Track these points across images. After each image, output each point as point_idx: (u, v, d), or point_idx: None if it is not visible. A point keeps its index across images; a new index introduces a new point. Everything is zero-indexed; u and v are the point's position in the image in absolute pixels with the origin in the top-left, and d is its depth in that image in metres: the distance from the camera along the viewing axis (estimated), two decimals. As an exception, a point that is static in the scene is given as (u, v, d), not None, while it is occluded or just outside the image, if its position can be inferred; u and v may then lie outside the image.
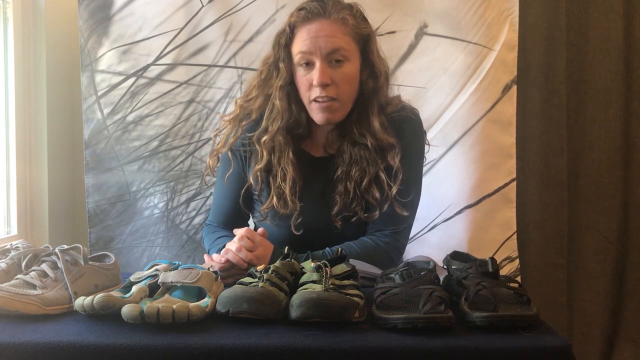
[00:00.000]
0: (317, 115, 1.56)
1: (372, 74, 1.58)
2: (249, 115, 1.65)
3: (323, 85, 1.51)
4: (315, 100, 1.54)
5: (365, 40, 1.57)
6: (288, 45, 1.56)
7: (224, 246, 1.53)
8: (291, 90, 1.58)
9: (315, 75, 1.51)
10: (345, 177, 1.58)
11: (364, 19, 1.59)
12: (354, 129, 1.59)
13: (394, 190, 1.56)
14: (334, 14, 1.53)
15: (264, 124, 1.61)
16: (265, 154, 1.60)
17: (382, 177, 1.57)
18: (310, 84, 1.53)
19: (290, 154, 1.59)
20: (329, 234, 1.59)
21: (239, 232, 1.52)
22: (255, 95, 1.64)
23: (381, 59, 1.61)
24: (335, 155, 1.62)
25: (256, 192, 1.65)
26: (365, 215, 1.58)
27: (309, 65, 1.53)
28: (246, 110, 1.66)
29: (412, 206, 1.62)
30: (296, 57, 1.55)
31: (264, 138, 1.60)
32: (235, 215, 1.70)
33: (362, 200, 1.58)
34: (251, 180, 1.63)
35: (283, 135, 1.59)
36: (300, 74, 1.55)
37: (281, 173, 1.59)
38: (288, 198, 1.57)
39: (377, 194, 1.57)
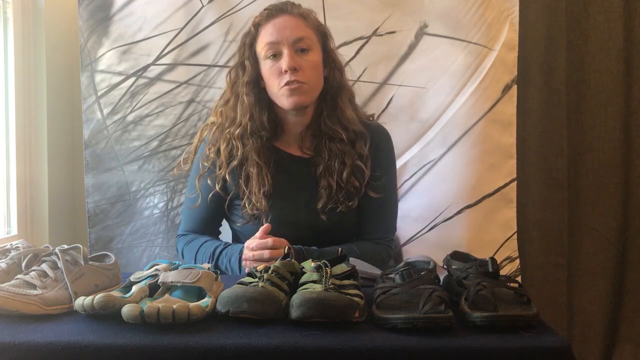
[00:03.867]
0: (287, 99, 1.59)
1: (336, 68, 1.67)
2: (234, 120, 1.67)
3: (292, 69, 1.56)
4: (285, 85, 1.57)
5: (324, 35, 1.66)
6: (253, 44, 1.64)
7: (229, 247, 1.61)
8: (256, 88, 1.64)
9: (284, 60, 1.57)
10: (328, 173, 1.63)
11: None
12: (328, 124, 1.64)
13: (366, 176, 1.65)
14: (295, 11, 1.63)
15: (238, 120, 1.65)
16: (241, 148, 1.63)
17: (358, 165, 1.64)
18: (279, 72, 1.58)
19: (254, 156, 1.62)
20: (314, 229, 1.62)
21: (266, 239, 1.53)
22: (228, 97, 1.69)
23: (339, 55, 1.71)
24: (314, 156, 1.66)
25: (232, 193, 1.67)
26: (350, 203, 1.63)
27: (276, 56, 1.59)
28: (228, 116, 1.69)
29: (389, 195, 1.71)
30: (263, 51, 1.61)
31: (237, 131, 1.64)
32: (210, 221, 1.74)
33: (344, 191, 1.63)
34: (228, 178, 1.65)
35: (247, 137, 1.63)
36: (268, 65, 1.61)
37: (245, 175, 1.64)
38: (258, 197, 1.61)
39: (357, 183, 1.64)
